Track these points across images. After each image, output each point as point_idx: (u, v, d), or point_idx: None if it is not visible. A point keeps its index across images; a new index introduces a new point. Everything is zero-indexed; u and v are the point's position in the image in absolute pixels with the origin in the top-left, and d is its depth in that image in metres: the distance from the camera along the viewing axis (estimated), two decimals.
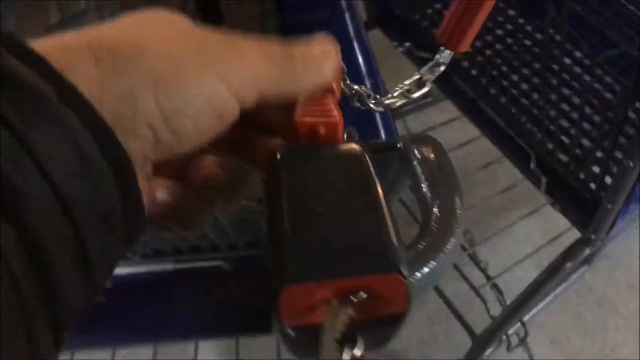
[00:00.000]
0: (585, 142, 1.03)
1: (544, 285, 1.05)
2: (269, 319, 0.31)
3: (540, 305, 1.21)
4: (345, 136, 0.38)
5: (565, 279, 1.17)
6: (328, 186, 0.30)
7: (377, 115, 0.49)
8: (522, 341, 1.18)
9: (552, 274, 1.02)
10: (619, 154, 0.89)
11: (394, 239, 0.28)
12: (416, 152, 0.40)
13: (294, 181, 0.30)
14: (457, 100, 1.19)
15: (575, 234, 1.05)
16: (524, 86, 1.08)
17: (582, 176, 1.02)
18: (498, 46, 1.14)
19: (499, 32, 1.16)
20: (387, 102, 0.41)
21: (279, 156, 0.32)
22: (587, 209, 1.00)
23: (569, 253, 1.00)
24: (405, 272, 0.27)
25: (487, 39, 1.15)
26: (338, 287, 0.27)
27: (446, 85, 1.20)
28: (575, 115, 1.02)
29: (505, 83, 1.12)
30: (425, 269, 0.31)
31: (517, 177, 1.21)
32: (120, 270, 0.97)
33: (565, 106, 1.02)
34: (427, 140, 0.42)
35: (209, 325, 0.32)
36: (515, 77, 1.11)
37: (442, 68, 0.41)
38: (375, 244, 0.27)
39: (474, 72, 1.16)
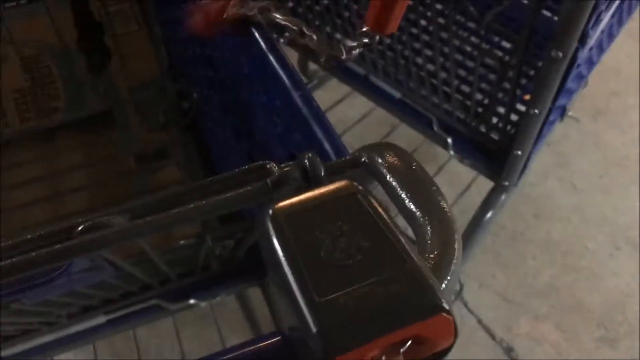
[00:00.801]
0: (480, 97, 1.07)
1: (471, 238, 1.10)
2: None
3: (468, 255, 1.27)
4: (307, 163, 0.36)
5: (484, 229, 1.23)
6: (340, 237, 0.28)
7: (319, 133, 0.48)
8: (460, 293, 1.23)
9: (477, 225, 1.07)
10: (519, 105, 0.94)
11: (428, 277, 0.26)
12: (381, 161, 0.39)
13: (303, 241, 0.28)
14: (348, 79, 1.19)
15: (481, 181, 1.10)
16: (416, 57, 1.10)
17: (483, 129, 1.06)
18: None
19: None
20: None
21: (270, 220, 0.29)
22: (495, 159, 1.05)
23: (488, 202, 1.05)
24: (448, 308, 0.26)
25: None
26: (386, 342, 0.26)
27: (335, 68, 1.20)
28: (467, 75, 1.05)
29: (394, 55, 1.13)
30: (445, 285, 0.30)
31: (418, 140, 1.25)
32: (48, 338, 0.90)
33: (459, 70, 1.05)
34: (386, 148, 0.41)
35: None
36: (404, 49, 1.13)
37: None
38: (413, 289, 0.26)
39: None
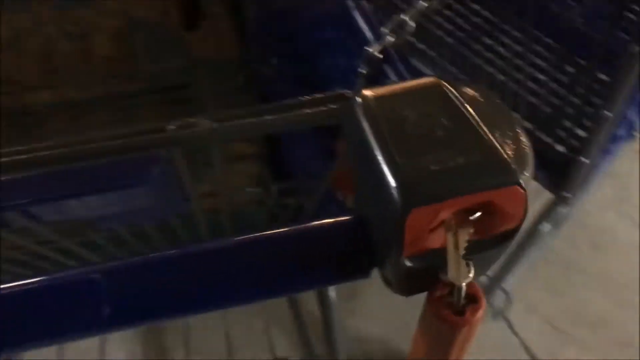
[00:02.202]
0: (549, 111, 1.07)
1: (524, 248, 1.09)
2: (366, 265, 0.31)
3: (518, 271, 1.25)
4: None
5: (539, 243, 1.21)
6: (424, 116, 0.30)
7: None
8: (507, 308, 1.21)
9: (532, 237, 1.06)
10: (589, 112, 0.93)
11: (507, 156, 0.28)
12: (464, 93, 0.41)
13: (388, 117, 0.30)
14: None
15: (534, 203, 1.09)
16: (486, 65, 1.11)
17: (549, 140, 1.06)
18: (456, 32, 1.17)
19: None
20: None
21: (359, 99, 0.31)
22: (557, 171, 1.04)
23: (547, 214, 1.04)
24: (523, 184, 0.27)
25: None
26: (461, 205, 0.27)
27: (405, 68, 1.22)
28: (538, 87, 1.06)
29: (463, 62, 1.15)
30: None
31: None
32: None
33: (529, 82, 1.06)
34: (470, 85, 0.43)
35: (303, 278, 0.31)
36: (475, 56, 1.14)
37: None
38: (493, 161, 0.28)
39: (431, 53, 1.18)
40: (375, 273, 0.33)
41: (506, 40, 1.06)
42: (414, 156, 0.28)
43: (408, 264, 0.29)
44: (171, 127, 0.42)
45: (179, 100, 0.93)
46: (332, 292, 0.94)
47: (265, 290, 0.31)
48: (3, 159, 0.39)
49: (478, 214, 0.27)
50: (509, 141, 0.36)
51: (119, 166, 0.41)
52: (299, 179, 0.82)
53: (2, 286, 0.29)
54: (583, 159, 0.92)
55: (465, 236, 0.27)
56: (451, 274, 0.27)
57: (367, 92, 0.32)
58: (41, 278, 0.30)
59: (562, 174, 1.02)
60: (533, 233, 1.08)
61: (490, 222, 0.28)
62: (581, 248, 1.52)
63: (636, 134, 1.07)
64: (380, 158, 0.28)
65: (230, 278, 0.31)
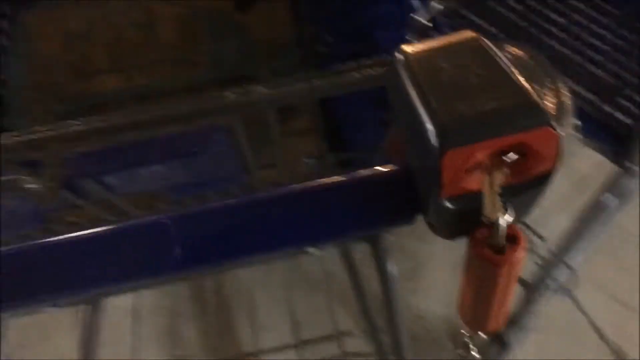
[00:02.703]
0: (612, 81, 1.05)
1: (588, 223, 1.07)
2: (410, 211, 0.33)
3: (581, 247, 1.23)
4: None
5: (604, 216, 1.19)
6: (461, 67, 0.31)
7: None
8: (574, 286, 1.19)
9: (596, 210, 1.04)
10: None
11: (539, 100, 0.29)
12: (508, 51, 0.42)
13: (426, 68, 0.32)
14: None
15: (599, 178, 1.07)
16: (546, 38, 1.09)
17: (612, 111, 1.03)
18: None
19: None
20: None
21: (399, 54, 0.33)
22: (622, 142, 1.02)
23: (611, 186, 1.02)
24: (555, 126, 0.29)
25: None
26: (495, 147, 0.29)
27: None
28: (600, 58, 1.03)
29: (517, 35, 1.13)
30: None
31: None
32: None
33: (591, 52, 1.04)
34: (508, 43, 0.44)
35: (351, 223, 0.34)
36: (532, 30, 1.12)
37: None
38: (524, 104, 0.29)
39: (483, 23, 1.17)
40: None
41: (562, 8, 1.04)
42: (449, 102, 0.29)
43: (448, 205, 0.30)
44: (228, 94, 0.45)
45: (239, 81, 0.97)
46: (392, 268, 0.96)
47: (316, 235, 0.34)
48: (76, 128, 0.43)
49: (512, 155, 0.29)
50: (548, 93, 0.37)
51: (183, 135, 0.45)
52: (355, 150, 0.84)
53: (82, 232, 0.33)
54: None
55: (500, 176, 0.29)
56: (487, 210, 0.28)
57: (407, 48, 0.34)
58: (117, 225, 0.34)
59: (625, 144, 1.00)
60: (597, 206, 1.06)
61: (525, 165, 0.30)
62: None
63: None
64: (418, 105, 0.30)
65: (285, 224, 0.33)
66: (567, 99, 0.37)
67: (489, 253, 0.30)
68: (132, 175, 0.54)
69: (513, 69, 0.31)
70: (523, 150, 0.29)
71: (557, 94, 0.38)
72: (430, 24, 0.54)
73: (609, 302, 1.38)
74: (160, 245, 0.32)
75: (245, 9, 0.92)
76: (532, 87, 0.31)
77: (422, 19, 0.53)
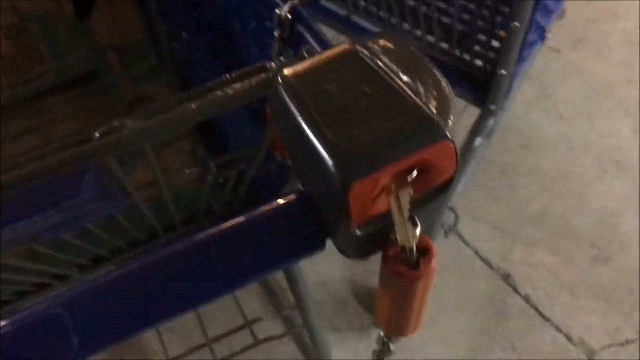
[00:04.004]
0: (461, 28, 1.09)
1: (462, 166, 1.13)
2: (319, 237, 0.32)
3: (460, 188, 1.30)
4: (306, 54, 0.39)
5: (474, 157, 1.26)
6: (346, 87, 0.30)
7: (311, 40, 0.50)
8: (456, 224, 1.26)
9: (467, 152, 1.10)
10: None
11: (430, 111, 0.29)
12: (378, 47, 0.41)
13: (312, 93, 0.30)
14: (331, 21, 1.20)
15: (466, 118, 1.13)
16: None
17: (467, 57, 1.08)
18: None
19: None
20: None
21: (280, 80, 0.32)
22: (480, 85, 1.07)
23: (477, 128, 1.08)
24: (450, 136, 0.29)
25: None
26: (396, 170, 0.28)
27: (316, 10, 1.21)
28: (447, 6, 1.07)
29: None
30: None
31: None
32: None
33: (439, 3, 1.07)
34: (378, 35, 0.43)
35: (262, 265, 0.32)
36: None
37: None
38: (420, 121, 0.29)
39: None
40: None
41: None
42: (344, 130, 0.28)
43: (358, 232, 0.30)
44: (96, 134, 0.41)
45: (94, 92, 0.90)
46: None
47: (228, 284, 0.32)
48: None
49: (415, 173, 0.29)
50: (430, 88, 0.37)
51: (51, 183, 0.40)
52: (234, 148, 0.82)
53: None
54: (501, 71, 0.95)
55: (406, 197, 0.29)
56: (400, 238, 0.28)
57: (287, 71, 0.32)
58: (4, 323, 0.30)
59: (484, 87, 1.06)
60: (468, 149, 1.12)
61: (427, 178, 0.30)
62: (513, 150, 1.59)
63: (548, 34, 1.11)
64: (311, 137, 0.29)
65: (191, 280, 0.31)
66: (445, 87, 0.38)
67: (404, 270, 0.30)
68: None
69: (398, 80, 0.30)
70: (424, 165, 0.29)
71: (436, 85, 0.38)
72: (290, 17, 0.52)
73: (490, 231, 1.48)
74: (57, 341, 0.28)
75: (86, 17, 0.85)
76: (418, 91, 0.31)
77: (283, 12, 0.51)
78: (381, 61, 0.40)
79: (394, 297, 0.33)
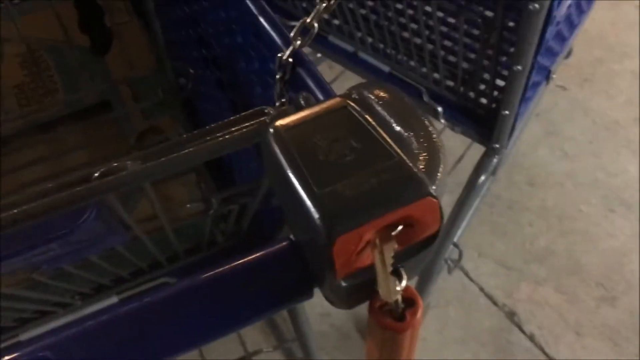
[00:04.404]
0: (467, 66, 1.11)
1: (466, 203, 1.13)
2: (307, 286, 0.33)
3: (463, 224, 1.30)
4: (302, 102, 0.40)
5: (478, 194, 1.26)
6: (334, 141, 0.31)
7: (312, 86, 0.51)
8: (460, 260, 1.26)
9: (471, 190, 1.10)
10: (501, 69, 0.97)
11: (415, 169, 0.30)
12: (371, 96, 0.42)
13: (301, 147, 0.31)
14: (339, 56, 1.22)
15: (473, 153, 1.13)
16: (402, 32, 1.13)
17: (472, 95, 1.09)
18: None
19: None
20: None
21: (272, 133, 0.33)
22: (484, 124, 1.08)
23: (481, 166, 1.08)
24: (435, 194, 0.29)
25: None
26: (380, 225, 0.29)
27: (324, 46, 1.23)
28: (453, 45, 1.08)
29: (381, 31, 1.16)
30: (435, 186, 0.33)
31: None
32: (62, 321, 0.93)
33: (445, 41, 1.08)
34: (375, 84, 0.44)
35: (250, 312, 0.33)
36: (390, 25, 1.16)
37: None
38: (402, 178, 0.29)
39: (347, 28, 1.19)
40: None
41: (414, 3, 1.08)
42: (330, 184, 0.29)
43: (343, 284, 0.30)
44: (96, 175, 0.42)
45: (105, 123, 0.92)
46: None
47: (212, 332, 0.32)
48: None
49: (399, 228, 0.29)
50: (421, 140, 0.38)
51: (51, 220, 0.41)
52: (240, 180, 0.83)
53: None
54: (504, 112, 0.95)
55: (390, 251, 0.29)
56: (382, 293, 0.29)
57: (278, 123, 0.33)
58: None
59: (488, 125, 1.06)
60: (472, 186, 1.12)
61: (412, 232, 0.30)
62: (520, 187, 1.59)
63: (553, 75, 1.12)
64: (298, 189, 0.30)
65: (175, 326, 0.32)
66: (437, 139, 0.38)
67: (390, 322, 0.30)
68: None
69: (385, 136, 0.31)
70: (408, 221, 0.30)
71: (427, 137, 0.38)
72: (291, 60, 0.53)
73: (495, 267, 1.48)
74: None
75: (104, 53, 0.87)
76: (408, 145, 0.32)
77: (285, 55, 0.53)
78: (373, 113, 0.41)
79: (382, 346, 0.33)
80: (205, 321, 0.32)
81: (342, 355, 1.37)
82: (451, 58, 1.13)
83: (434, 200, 0.29)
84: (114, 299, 0.95)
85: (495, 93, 1.05)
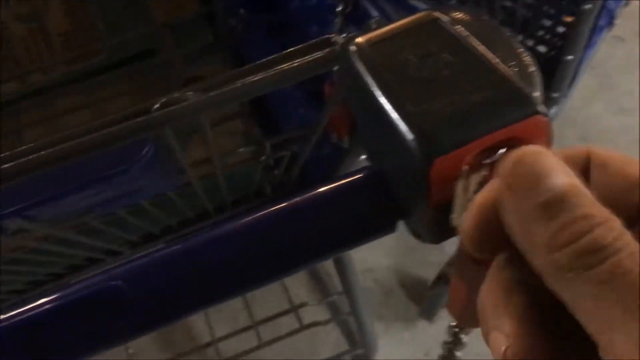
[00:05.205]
0: (525, 12, 1.05)
1: None
2: (390, 218, 0.30)
3: None
4: (374, 26, 0.36)
5: None
6: (426, 56, 0.28)
7: (373, 13, 0.47)
8: None
9: None
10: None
11: (519, 83, 0.26)
12: (449, 17, 0.39)
13: (389, 63, 0.28)
14: (384, 2, 1.17)
15: None
16: None
17: (530, 43, 1.04)
18: None
19: None
20: None
21: (354, 48, 0.29)
22: (543, 72, 1.03)
23: None
24: (544, 111, 0.26)
25: None
26: (482, 146, 0.26)
27: None
28: None
29: None
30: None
31: None
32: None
33: None
34: (454, 8, 0.40)
35: (329, 245, 0.31)
36: None
37: None
38: (508, 93, 0.26)
39: None
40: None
41: None
42: (426, 102, 0.26)
43: (435, 214, 0.28)
44: (156, 106, 0.40)
45: (148, 70, 0.89)
46: None
47: (290, 264, 0.30)
48: None
49: (502, 151, 0.26)
50: (513, 62, 0.34)
51: (109, 154, 0.39)
52: (286, 128, 0.80)
53: (24, 308, 0.28)
54: (568, 57, 0.90)
55: (477, 178, 0.26)
56: (456, 222, 0.26)
57: (360, 39, 0.30)
58: (61, 293, 0.29)
59: (548, 74, 1.01)
60: None
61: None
62: (571, 142, 1.53)
63: (616, 21, 1.05)
64: (389, 109, 0.27)
65: (258, 257, 0.30)
66: (530, 63, 0.35)
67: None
68: (54, 206, 0.48)
69: (483, 51, 0.28)
70: (511, 143, 0.26)
71: (518, 60, 0.35)
72: None
73: None
74: (116, 314, 0.27)
75: None
76: (502, 64, 0.28)
77: None
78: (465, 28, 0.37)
79: (470, 286, 0.30)
80: (283, 253, 0.30)
81: (386, 310, 1.36)
82: (508, 3, 1.07)
83: (544, 118, 0.26)
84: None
85: (556, 40, 1.00)
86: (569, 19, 0.99)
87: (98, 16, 0.97)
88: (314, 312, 1.21)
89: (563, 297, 0.19)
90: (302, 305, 1.12)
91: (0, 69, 0.98)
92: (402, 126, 0.26)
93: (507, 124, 0.26)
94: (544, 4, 1.01)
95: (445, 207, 0.28)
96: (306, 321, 1.10)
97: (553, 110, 1.05)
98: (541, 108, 0.26)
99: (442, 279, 0.34)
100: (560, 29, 1.01)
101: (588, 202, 0.20)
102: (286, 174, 0.87)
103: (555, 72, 0.97)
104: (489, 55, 0.27)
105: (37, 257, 0.79)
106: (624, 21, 1.64)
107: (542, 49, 1.03)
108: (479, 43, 0.28)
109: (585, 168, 0.25)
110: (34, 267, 0.84)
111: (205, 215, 0.93)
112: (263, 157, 0.68)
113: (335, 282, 1.21)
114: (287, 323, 1.11)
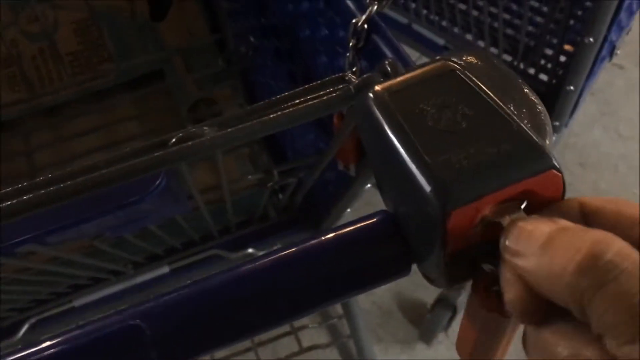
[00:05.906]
0: (527, 40, 1.06)
1: None
2: (404, 264, 0.31)
3: None
4: (389, 68, 0.37)
5: None
6: (444, 108, 0.29)
7: (388, 53, 0.49)
8: None
9: None
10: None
11: (536, 137, 0.27)
12: (460, 61, 0.40)
13: (407, 113, 0.29)
14: (392, 29, 1.18)
15: None
16: (459, 3, 1.09)
17: (532, 71, 1.05)
18: None
19: None
20: None
21: (373, 97, 0.30)
22: (543, 100, 1.04)
23: None
24: (558, 166, 0.27)
25: None
26: (498, 199, 0.27)
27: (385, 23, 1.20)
28: (513, 18, 1.04)
29: (438, 2, 1.13)
30: None
31: None
32: (115, 288, 0.94)
33: (505, 14, 1.04)
34: (465, 50, 0.41)
35: (344, 287, 0.31)
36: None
37: None
38: (524, 147, 0.27)
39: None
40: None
41: None
42: (443, 153, 0.27)
43: (450, 260, 0.28)
44: (173, 140, 0.41)
45: (156, 94, 0.90)
46: None
47: (304, 306, 0.31)
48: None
49: (525, 203, 0.27)
50: (524, 111, 0.35)
51: (124, 185, 0.40)
52: (293, 152, 0.81)
53: (40, 342, 0.29)
54: (569, 87, 0.91)
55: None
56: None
57: (379, 88, 0.31)
58: (79, 332, 0.29)
59: (548, 103, 1.02)
60: None
61: (529, 209, 0.28)
62: (571, 168, 1.54)
63: (617, 51, 1.07)
64: (406, 158, 0.28)
65: (270, 299, 0.30)
66: (540, 109, 0.36)
67: (496, 303, 0.28)
68: (67, 232, 0.49)
69: (499, 101, 0.29)
70: (527, 196, 0.27)
71: (529, 107, 0.36)
72: (366, 26, 0.51)
73: None
74: (135, 353, 0.28)
75: (162, 19, 0.85)
76: (516, 114, 0.29)
77: (360, 21, 0.50)
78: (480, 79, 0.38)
79: (481, 328, 0.31)
80: (299, 295, 0.30)
81: (385, 332, 1.36)
82: (510, 32, 1.08)
83: (559, 173, 0.27)
84: (165, 269, 0.95)
85: (557, 69, 1.01)
86: (568, 48, 1.00)
87: (109, 37, 0.98)
88: (314, 335, 1.21)
89: None
90: (302, 327, 1.12)
91: (10, 87, 0.99)
92: (420, 177, 0.27)
93: (522, 178, 0.26)
94: (546, 33, 1.03)
95: (459, 255, 0.28)
96: (306, 344, 1.10)
97: (553, 139, 1.06)
98: (556, 163, 0.27)
99: (441, 302, 0.35)
100: (562, 58, 1.02)
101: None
102: (290, 199, 0.88)
103: (557, 101, 0.98)
104: (505, 107, 0.28)
105: (42, 277, 0.79)
106: (624, 49, 1.66)
107: (543, 77, 1.04)
108: (494, 93, 0.29)
109: (582, 216, 0.26)
110: (37, 286, 0.84)
111: (209, 237, 0.94)
112: (269, 185, 0.69)
113: (336, 306, 1.21)
114: (287, 345, 1.12)
